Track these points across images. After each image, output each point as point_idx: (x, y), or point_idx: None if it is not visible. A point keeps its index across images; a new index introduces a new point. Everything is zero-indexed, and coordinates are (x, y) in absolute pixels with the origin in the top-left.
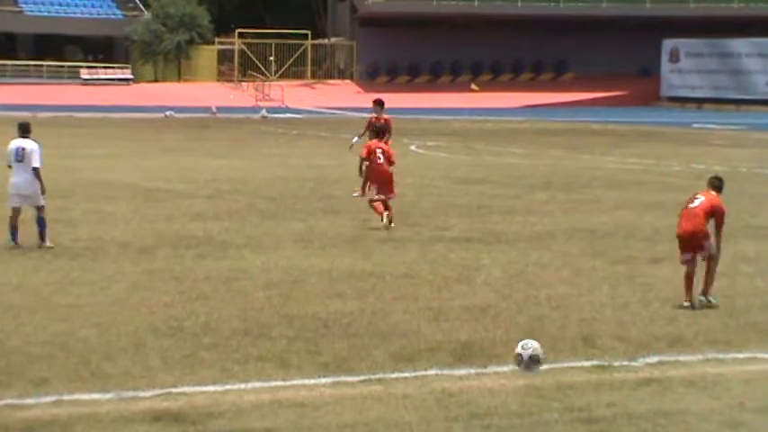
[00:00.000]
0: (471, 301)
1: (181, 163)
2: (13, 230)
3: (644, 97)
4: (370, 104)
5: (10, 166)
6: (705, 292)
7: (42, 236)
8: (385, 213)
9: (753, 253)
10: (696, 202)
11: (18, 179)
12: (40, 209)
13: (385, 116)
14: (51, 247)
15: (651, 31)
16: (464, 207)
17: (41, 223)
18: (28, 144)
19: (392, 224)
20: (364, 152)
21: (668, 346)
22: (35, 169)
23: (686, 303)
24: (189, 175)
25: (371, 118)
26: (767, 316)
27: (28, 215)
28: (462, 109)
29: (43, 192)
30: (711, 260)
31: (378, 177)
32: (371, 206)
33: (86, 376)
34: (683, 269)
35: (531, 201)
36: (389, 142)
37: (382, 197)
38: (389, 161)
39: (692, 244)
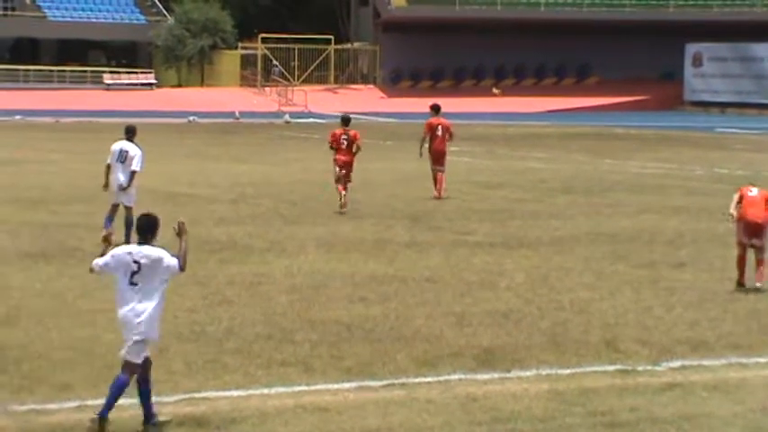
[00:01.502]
0: (494, 306)
1: (204, 168)
2: (110, 218)
3: (667, 101)
4: (392, 109)
5: (109, 165)
6: (761, 279)
7: (128, 237)
8: (342, 194)
9: None
10: (755, 192)
11: (125, 177)
12: (128, 209)
13: (443, 120)
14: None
15: (674, 35)
16: (486, 211)
17: (129, 224)
18: (131, 148)
19: (344, 209)
20: (330, 139)
21: (691, 351)
22: (133, 172)
23: (743, 285)
24: (212, 180)
25: (432, 121)
26: None
27: (53, 219)
28: (485, 113)
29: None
30: (763, 248)
31: (341, 161)
32: (336, 186)
33: (110, 381)
34: (736, 252)
35: (554, 205)
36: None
37: (343, 172)
38: (351, 146)
39: (756, 231)
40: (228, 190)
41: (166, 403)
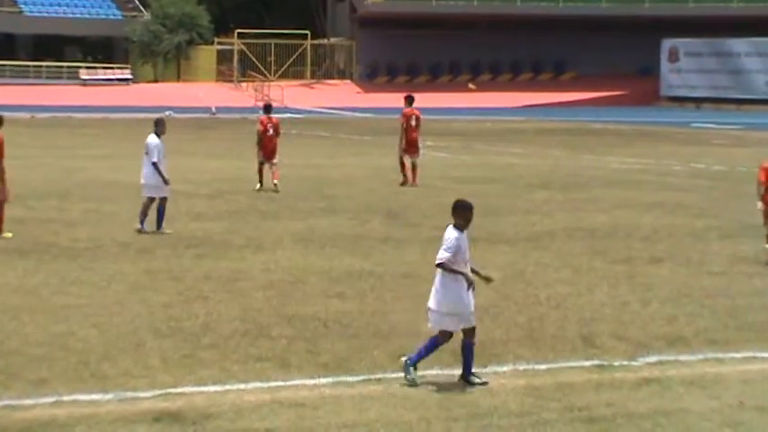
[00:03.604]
0: None
1: (181, 163)
2: (143, 217)
3: (643, 97)
4: (368, 104)
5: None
6: None
7: (159, 224)
8: (274, 180)
9: (751, 253)
10: None
11: (143, 171)
12: (162, 200)
13: (416, 111)
14: (168, 234)
15: (650, 30)
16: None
17: (160, 212)
18: (153, 140)
19: (276, 184)
20: (260, 126)
21: (668, 346)
22: (153, 164)
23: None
24: (189, 176)
25: (406, 111)
26: (766, 316)
27: (29, 215)
28: (462, 109)
29: (166, 183)
30: None
31: (267, 146)
32: (259, 169)
33: (86, 377)
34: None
35: (531, 200)
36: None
37: (266, 161)
38: (277, 133)
39: None
40: (205, 185)
41: (142, 399)
